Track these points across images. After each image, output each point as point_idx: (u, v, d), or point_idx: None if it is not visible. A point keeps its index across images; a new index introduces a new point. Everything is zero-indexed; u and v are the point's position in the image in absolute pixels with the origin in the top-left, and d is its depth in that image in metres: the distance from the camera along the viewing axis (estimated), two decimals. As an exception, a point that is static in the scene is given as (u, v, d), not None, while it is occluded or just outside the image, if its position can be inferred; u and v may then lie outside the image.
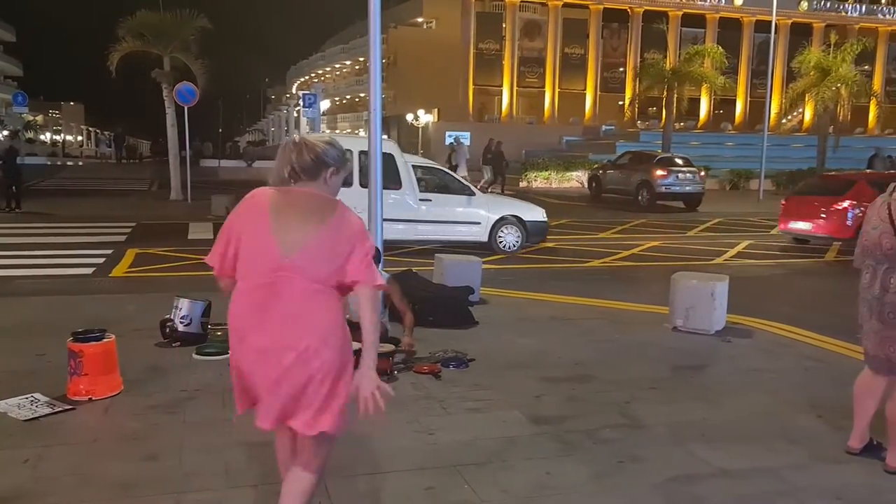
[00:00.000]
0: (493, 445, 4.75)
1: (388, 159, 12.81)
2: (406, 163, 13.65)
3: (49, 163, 43.75)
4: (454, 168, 33.65)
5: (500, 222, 14.00)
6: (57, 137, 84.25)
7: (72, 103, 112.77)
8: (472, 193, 14.19)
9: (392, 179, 12.98)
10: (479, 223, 13.93)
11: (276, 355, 3.03)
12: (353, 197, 12.55)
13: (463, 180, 15.02)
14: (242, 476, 4.23)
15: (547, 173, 33.33)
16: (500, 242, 13.96)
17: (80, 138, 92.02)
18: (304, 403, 3.08)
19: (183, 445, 4.62)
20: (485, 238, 13.92)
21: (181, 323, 6.79)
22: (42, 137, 74.92)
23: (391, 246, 13.42)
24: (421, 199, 13.57)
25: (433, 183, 14.15)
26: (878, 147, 29.36)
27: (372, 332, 3.13)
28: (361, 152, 12.52)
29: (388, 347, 6.21)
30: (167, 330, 6.88)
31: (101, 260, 12.09)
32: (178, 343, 6.75)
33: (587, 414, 5.40)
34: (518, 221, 14.11)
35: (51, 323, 7.40)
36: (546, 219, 14.61)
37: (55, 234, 14.85)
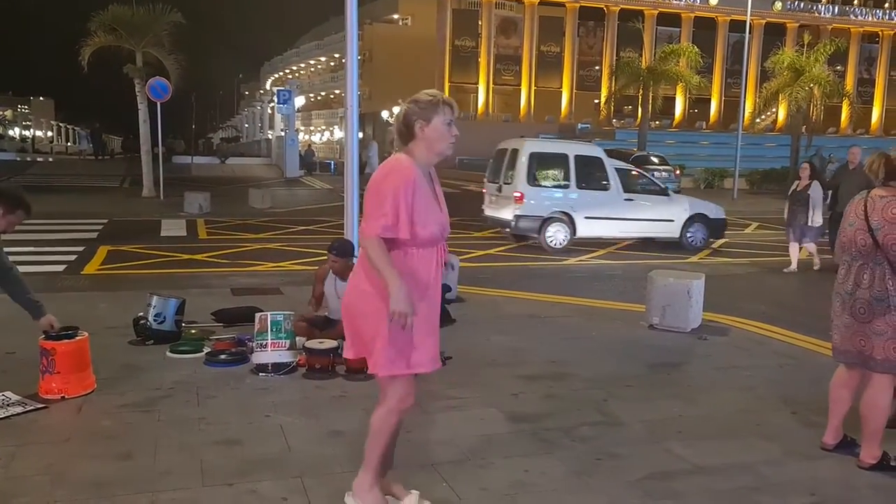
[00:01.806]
0: (470, 443, 4.74)
1: (597, 162, 14.51)
2: (612, 166, 14.64)
3: (18, 159, 43.17)
4: (364, 164, 34.51)
5: (689, 220, 14.76)
6: (27, 133, 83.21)
7: (41, 98, 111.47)
8: (666, 194, 15.04)
9: (601, 181, 14.52)
10: (672, 220, 14.72)
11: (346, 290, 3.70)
12: (569, 198, 14.14)
13: (658, 182, 15.96)
14: (218, 474, 4.18)
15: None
16: (690, 239, 14.76)
17: (49, 134, 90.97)
18: (356, 340, 3.63)
19: (157, 444, 4.57)
20: (677, 235, 14.76)
21: (155, 321, 6.72)
22: (11, 133, 73.97)
23: (598, 241, 14.76)
24: (625, 199, 14.38)
25: (634, 184, 14.85)
26: (818, 147, 30.40)
27: (384, 275, 3.41)
28: (577, 156, 14.35)
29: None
30: (140, 328, 6.81)
31: (73, 257, 11.96)
32: (152, 341, 6.68)
33: (565, 411, 5.40)
34: (704, 219, 14.88)
35: (22, 320, 7.28)
36: (725, 216, 15.48)
37: (25, 231, 14.59)
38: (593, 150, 15.40)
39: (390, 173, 3.44)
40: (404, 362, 3.54)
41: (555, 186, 14.40)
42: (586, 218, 14.22)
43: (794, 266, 12.42)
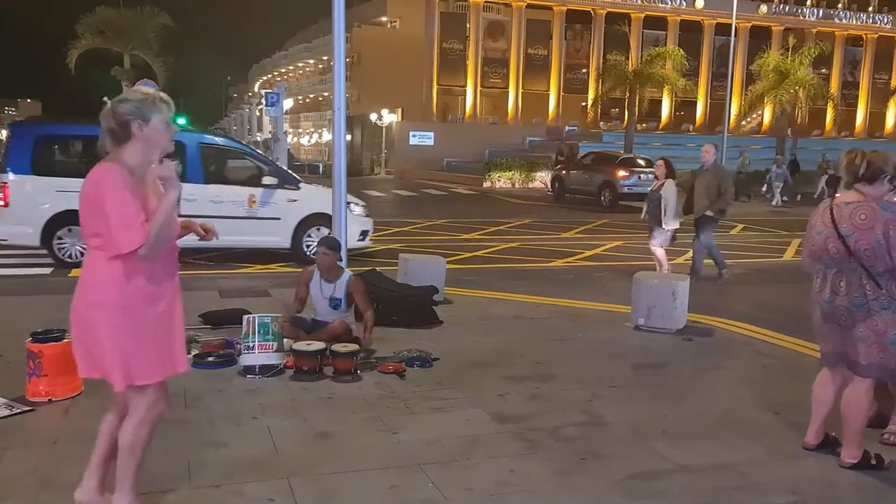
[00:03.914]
0: (457, 444, 4.77)
1: None
2: None
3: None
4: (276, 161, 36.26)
5: None
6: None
7: (29, 100, 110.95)
8: None
9: None
10: None
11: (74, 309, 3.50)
12: None
13: None
14: (205, 476, 4.20)
15: (510, 173, 33.46)
16: None
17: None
18: (91, 355, 3.45)
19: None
20: None
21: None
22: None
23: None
24: None
25: None
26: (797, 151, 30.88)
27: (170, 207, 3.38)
28: None
29: (353, 347, 6.21)
30: (128, 330, 6.80)
31: (60, 259, 11.88)
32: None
33: (550, 412, 5.44)
34: None
35: (9, 323, 7.28)
36: None
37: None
38: None
39: (102, 186, 3.26)
40: (158, 369, 3.48)
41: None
42: None
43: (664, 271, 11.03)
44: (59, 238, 11.17)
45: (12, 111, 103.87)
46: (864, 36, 55.10)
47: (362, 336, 6.74)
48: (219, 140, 12.92)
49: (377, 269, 8.98)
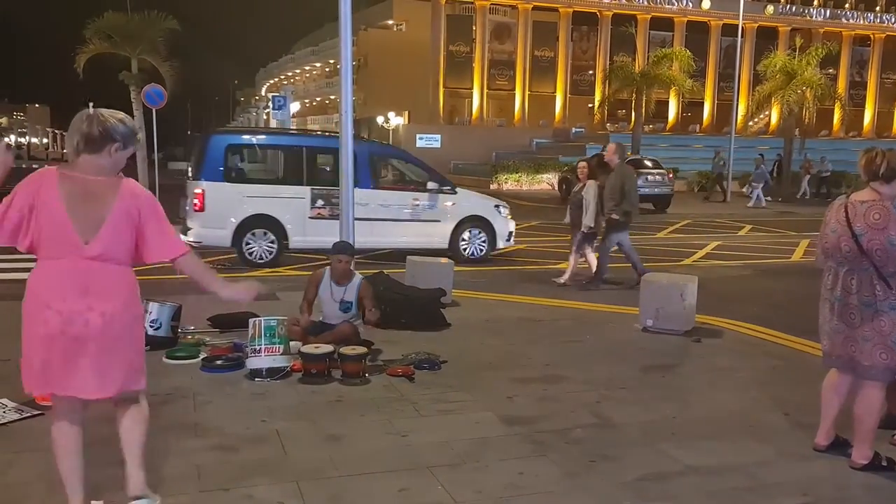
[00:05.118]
0: (466, 446, 4.76)
1: None
2: None
3: (14, 166, 43.11)
4: None
5: None
6: (22, 140, 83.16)
7: (37, 105, 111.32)
8: None
9: None
10: None
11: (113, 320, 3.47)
12: None
13: None
14: (214, 479, 4.20)
15: (517, 175, 33.47)
16: None
17: (45, 141, 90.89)
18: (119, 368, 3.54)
19: (153, 450, 4.55)
20: None
21: (151, 327, 6.73)
22: (7, 140, 74.19)
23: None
24: None
25: None
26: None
27: (211, 280, 3.87)
28: None
29: (361, 350, 6.21)
30: (137, 334, 6.81)
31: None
32: (148, 347, 6.61)
33: (559, 414, 5.43)
34: None
35: (16, 327, 7.29)
36: None
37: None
38: None
39: (151, 200, 3.57)
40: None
41: None
42: None
43: (566, 276, 10.99)
44: (248, 240, 11.96)
45: (21, 116, 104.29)
46: (871, 36, 55.00)
47: (373, 340, 6.76)
48: (387, 149, 13.66)
49: (384, 271, 8.98)
